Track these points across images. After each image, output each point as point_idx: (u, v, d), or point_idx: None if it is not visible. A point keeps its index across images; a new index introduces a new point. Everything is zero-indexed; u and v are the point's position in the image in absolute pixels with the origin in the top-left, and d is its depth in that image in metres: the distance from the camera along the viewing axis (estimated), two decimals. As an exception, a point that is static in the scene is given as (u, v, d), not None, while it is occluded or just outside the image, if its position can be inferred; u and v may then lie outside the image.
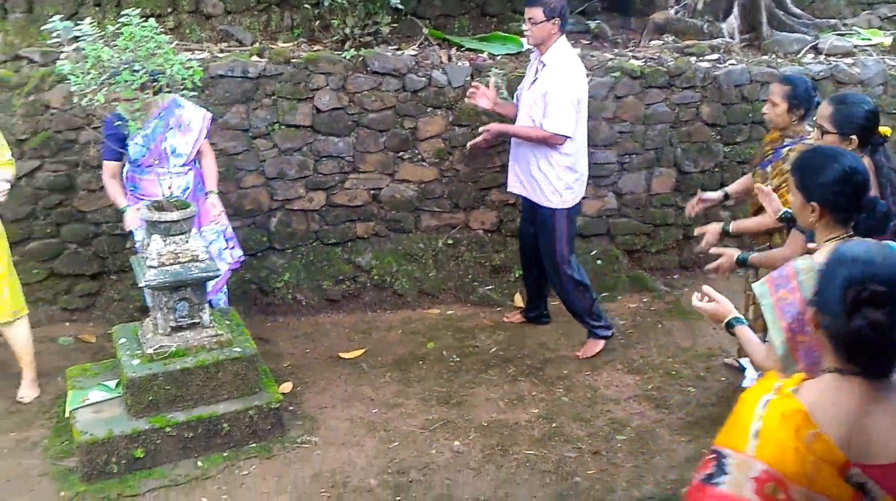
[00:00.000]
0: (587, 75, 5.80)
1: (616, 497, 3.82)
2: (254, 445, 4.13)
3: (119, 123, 4.09)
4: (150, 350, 4.08)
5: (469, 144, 5.13)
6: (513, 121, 5.00)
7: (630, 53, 6.41)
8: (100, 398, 4.16)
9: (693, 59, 6.25)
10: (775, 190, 3.91)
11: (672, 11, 7.07)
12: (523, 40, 6.26)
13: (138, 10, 4.01)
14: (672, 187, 6.18)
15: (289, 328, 5.46)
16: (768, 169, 4.22)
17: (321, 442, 4.21)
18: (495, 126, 4.94)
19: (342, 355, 5.11)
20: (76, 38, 3.92)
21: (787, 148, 4.13)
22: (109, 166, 4.56)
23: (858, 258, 1.69)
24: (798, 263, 2.60)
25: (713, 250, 3.85)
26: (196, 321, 4.18)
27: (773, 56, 6.58)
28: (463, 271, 5.87)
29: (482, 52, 6.09)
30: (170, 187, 4.31)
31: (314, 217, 5.71)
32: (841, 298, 1.66)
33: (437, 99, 5.67)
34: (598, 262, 6.04)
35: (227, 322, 4.47)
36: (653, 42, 6.76)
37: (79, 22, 3.87)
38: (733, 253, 3.66)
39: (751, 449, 1.69)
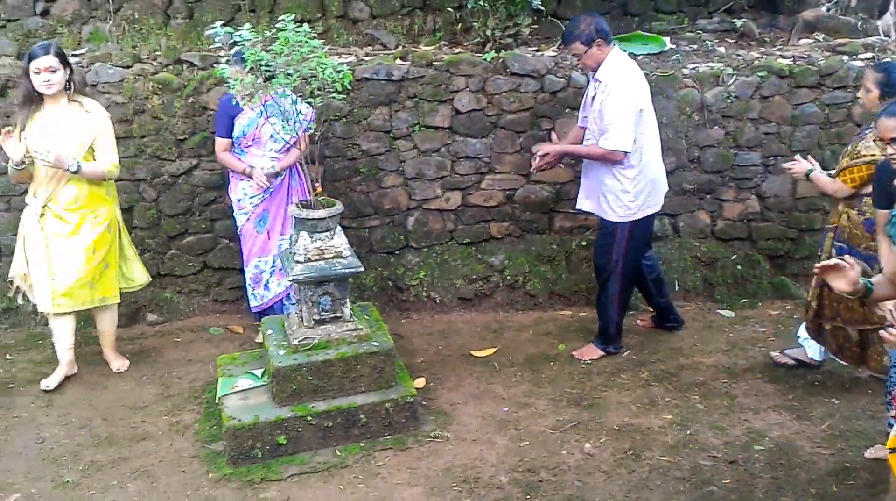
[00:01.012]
0: (731, 74, 5.69)
1: (752, 509, 3.73)
2: (389, 437, 4.26)
3: (235, 102, 4.41)
4: (295, 342, 4.27)
5: (532, 169, 5.01)
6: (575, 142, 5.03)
7: (778, 52, 6.19)
8: (247, 386, 4.38)
9: (845, 58, 5.97)
10: (844, 169, 4.34)
11: (823, 9, 6.78)
12: (666, 39, 6.18)
13: (292, 16, 4.19)
14: (819, 191, 5.92)
15: (423, 324, 5.59)
16: (848, 147, 4.47)
17: (453, 437, 4.30)
18: (554, 147, 4.90)
19: (474, 353, 5.20)
20: (235, 44, 4.15)
21: (869, 129, 4.33)
22: (222, 143, 4.96)
23: None
24: None
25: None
26: (338, 314, 4.35)
27: (936, 54, 6.20)
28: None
29: (624, 51, 6.02)
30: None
31: (450, 217, 5.82)
32: None
33: (575, 100, 5.64)
34: (739, 267, 5.88)
35: (367, 317, 4.63)
36: (802, 40, 6.50)
37: (238, 28, 4.09)
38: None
39: None
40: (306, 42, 4.07)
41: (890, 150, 3.62)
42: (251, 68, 4.06)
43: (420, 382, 4.80)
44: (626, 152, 4.65)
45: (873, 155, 4.21)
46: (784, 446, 4.17)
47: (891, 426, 3.58)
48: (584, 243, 5.87)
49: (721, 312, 5.69)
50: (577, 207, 5.12)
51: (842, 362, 4.60)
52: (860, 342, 4.42)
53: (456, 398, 4.70)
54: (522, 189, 5.80)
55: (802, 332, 4.78)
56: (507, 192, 5.82)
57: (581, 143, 4.96)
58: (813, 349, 4.79)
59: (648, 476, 3.97)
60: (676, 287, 5.81)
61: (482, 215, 5.85)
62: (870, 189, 4.19)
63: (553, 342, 5.33)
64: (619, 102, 4.59)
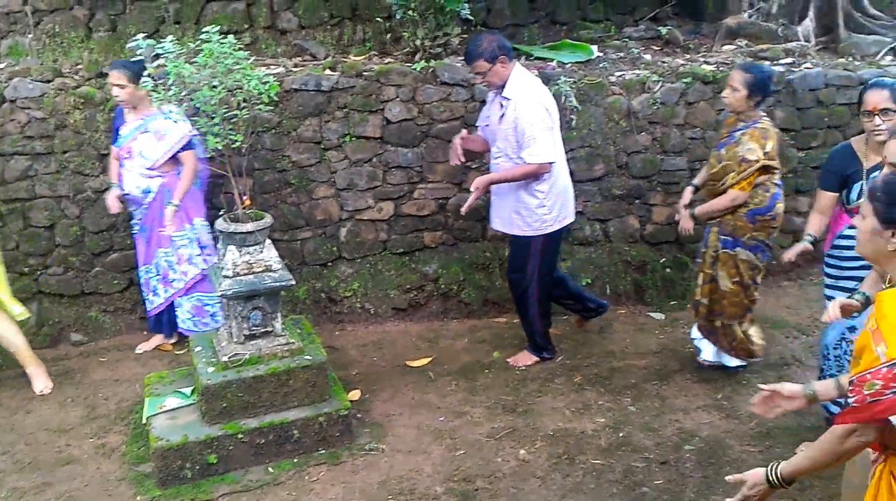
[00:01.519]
0: (657, 81, 5.80)
1: (684, 509, 3.78)
2: (323, 451, 4.22)
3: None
4: (225, 358, 4.21)
5: (464, 209, 4.88)
6: (482, 152, 5.05)
7: (702, 58, 6.33)
8: (176, 405, 4.30)
9: (767, 63, 6.12)
10: (725, 170, 4.46)
11: (745, 15, 6.96)
12: (593, 48, 6.26)
13: (217, 28, 4.14)
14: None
15: (357, 336, 5.56)
16: (722, 151, 4.54)
17: (388, 449, 4.27)
18: (482, 180, 4.77)
19: (409, 363, 5.18)
20: (158, 56, 4.08)
21: (740, 131, 4.48)
22: (113, 150, 5.18)
23: None
24: None
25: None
26: (269, 329, 4.29)
27: (850, 59, 6.43)
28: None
29: (552, 60, 6.10)
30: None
31: (382, 227, 5.80)
32: None
33: (504, 108, 5.69)
34: (668, 270, 5.98)
35: (299, 331, 4.58)
36: (725, 47, 6.66)
37: (161, 40, 4.02)
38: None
39: None
40: (231, 54, 4.03)
41: (877, 120, 3.78)
42: (173, 81, 4.00)
43: (354, 394, 4.76)
44: (552, 163, 4.67)
45: (760, 158, 4.39)
46: (714, 445, 4.24)
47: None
48: (517, 250, 5.90)
49: (651, 314, 5.78)
50: (492, 227, 5.13)
51: (735, 359, 4.82)
52: (747, 337, 4.72)
53: (391, 409, 4.68)
54: (455, 198, 5.81)
55: (695, 332, 4.94)
56: (440, 201, 5.82)
57: (485, 149, 4.97)
58: (707, 350, 4.92)
59: (583, 479, 4.00)
60: (608, 291, 5.88)
61: (415, 224, 5.85)
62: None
63: (488, 350, 5.35)
64: (534, 115, 4.59)
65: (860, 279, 3.54)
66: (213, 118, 4.08)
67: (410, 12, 5.75)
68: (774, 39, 6.67)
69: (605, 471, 4.06)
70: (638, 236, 6.03)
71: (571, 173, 5.73)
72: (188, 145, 5.00)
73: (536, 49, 6.31)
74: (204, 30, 4.05)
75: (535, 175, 4.69)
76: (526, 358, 5.17)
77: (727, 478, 2.66)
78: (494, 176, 4.82)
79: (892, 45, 6.54)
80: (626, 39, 6.65)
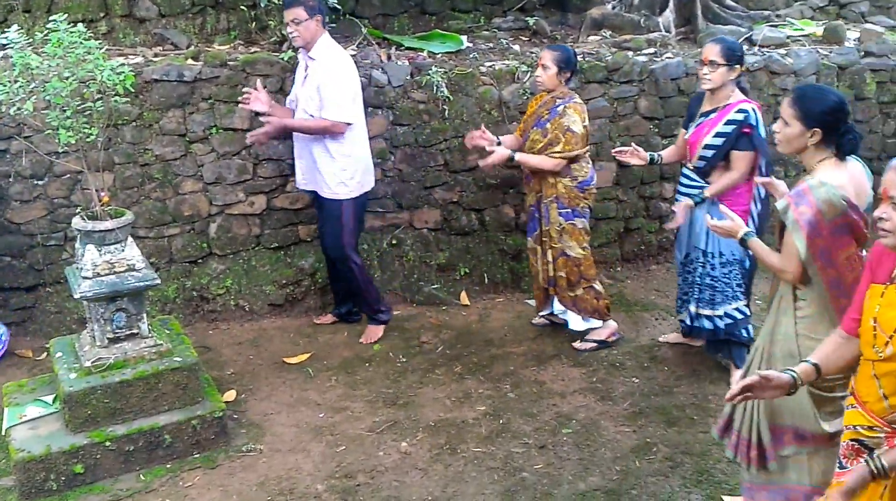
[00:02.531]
0: (526, 71, 5.87)
1: (563, 490, 3.84)
2: (197, 455, 4.08)
3: None
4: (88, 363, 4.00)
5: (249, 137, 4.97)
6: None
7: (569, 49, 6.44)
8: (37, 414, 4.07)
9: (630, 53, 6.31)
10: (552, 142, 4.80)
11: (609, 7, 7.13)
12: (463, 38, 6.27)
13: (66, 16, 3.93)
14: (612, 181, 6.23)
15: (232, 334, 5.38)
16: (547, 126, 4.84)
17: (267, 450, 4.17)
18: (276, 119, 4.85)
19: (287, 360, 5.07)
20: (3, 46, 3.82)
21: (561, 106, 4.82)
22: None
23: None
24: (810, 181, 3.02)
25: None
26: (134, 331, 4.11)
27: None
28: (408, 271, 5.85)
29: (422, 50, 6.08)
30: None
31: (255, 222, 5.64)
32: None
33: (377, 98, 5.63)
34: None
35: (167, 332, 4.41)
36: (591, 37, 6.81)
37: (6, 29, 3.77)
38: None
39: None
40: (81, 43, 3.83)
41: (704, 69, 4.38)
42: (19, 73, 3.76)
43: (230, 395, 4.62)
44: (348, 124, 4.80)
45: (582, 131, 4.82)
46: (590, 427, 4.34)
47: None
48: (394, 242, 5.86)
49: (528, 301, 5.85)
50: (298, 186, 5.23)
51: (596, 320, 5.14)
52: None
53: (269, 408, 4.56)
54: (329, 190, 5.70)
55: (558, 306, 5.18)
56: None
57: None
58: (574, 320, 5.16)
59: (464, 468, 4.02)
60: (486, 280, 5.93)
61: (289, 218, 5.71)
62: (574, 160, 4.88)
63: (368, 343, 5.29)
64: (340, 78, 4.74)
65: (700, 188, 4.53)
66: (65, 111, 3.86)
67: (276, 0, 5.60)
68: (637, 30, 6.87)
69: (485, 459, 4.08)
70: (513, 225, 6.08)
71: (446, 163, 5.78)
72: None
73: (407, 39, 6.27)
74: (51, 18, 3.83)
75: (330, 132, 4.79)
76: (374, 332, 5.27)
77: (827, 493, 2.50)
78: (289, 122, 4.90)
79: (748, 35, 6.84)
80: (496, 30, 6.70)
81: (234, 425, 4.35)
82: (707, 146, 4.46)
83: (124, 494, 3.82)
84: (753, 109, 4.40)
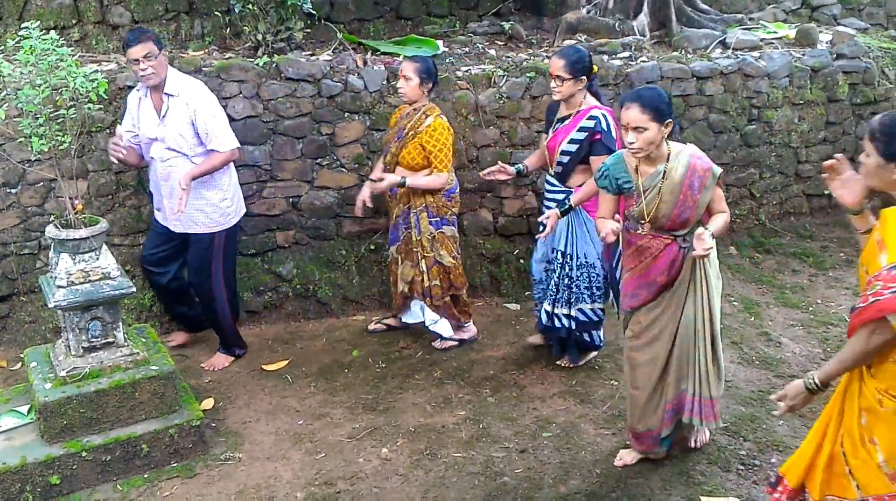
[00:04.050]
0: (502, 76, 5.89)
1: (544, 494, 3.85)
2: (175, 465, 4.05)
3: None
4: (63, 373, 3.95)
5: (178, 209, 4.53)
6: (139, 166, 4.91)
7: (544, 53, 6.46)
8: (12, 425, 4.02)
9: (605, 57, 6.34)
10: (435, 156, 4.84)
11: (584, 11, 7.16)
12: (439, 43, 6.27)
13: (38, 23, 3.90)
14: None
15: (209, 342, 5.33)
16: (424, 144, 4.84)
17: (245, 458, 4.14)
18: (186, 175, 4.49)
19: (265, 367, 5.04)
20: (-26, 54, 3.79)
21: (430, 120, 4.83)
22: None
23: None
24: None
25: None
26: (110, 340, 4.07)
27: (683, 52, 6.73)
28: (386, 277, 5.82)
29: (398, 55, 6.06)
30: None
31: (232, 228, 5.60)
32: None
33: (353, 104, 5.62)
34: (521, 261, 6.07)
35: (144, 340, 4.37)
36: (566, 41, 6.82)
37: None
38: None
39: None
40: (54, 50, 3.80)
41: (553, 83, 4.54)
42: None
43: (208, 403, 4.59)
44: (240, 149, 4.80)
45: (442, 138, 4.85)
46: (570, 430, 4.34)
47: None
48: (373, 247, 5.85)
49: (508, 305, 5.86)
50: (160, 224, 4.88)
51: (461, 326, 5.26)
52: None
53: (247, 416, 4.53)
54: (307, 195, 5.69)
55: (430, 316, 5.17)
56: (291, 199, 5.69)
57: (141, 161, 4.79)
58: (444, 328, 5.19)
59: (445, 473, 4.01)
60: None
61: (266, 224, 5.68)
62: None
63: (347, 349, 5.27)
64: (211, 106, 4.60)
65: (562, 192, 4.67)
66: (37, 118, 3.83)
67: (250, 6, 5.58)
68: (612, 34, 6.90)
69: (466, 464, 4.08)
70: (492, 229, 6.09)
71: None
72: None
73: (382, 44, 6.27)
74: (23, 26, 3.79)
75: (228, 163, 4.73)
76: (221, 360, 5.10)
77: (770, 397, 3.15)
78: (195, 170, 4.58)
79: (721, 38, 6.90)
80: (471, 35, 6.71)
81: (213, 433, 4.32)
82: (563, 153, 4.63)
83: (101, 505, 3.78)
84: (604, 115, 4.55)
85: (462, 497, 3.84)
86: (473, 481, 3.95)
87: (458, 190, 5.11)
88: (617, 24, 7.00)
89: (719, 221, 3.66)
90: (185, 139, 4.57)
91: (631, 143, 3.54)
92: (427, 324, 5.20)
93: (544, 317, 4.88)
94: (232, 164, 4.84)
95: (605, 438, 4.27)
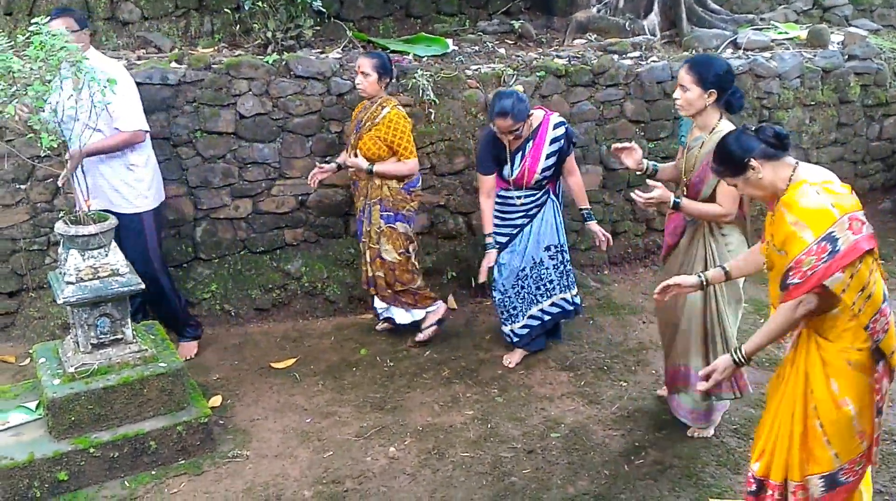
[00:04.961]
0: (512, 75, 5.87)
1: (552, 494, 3.83)
2: (183, 462, 4.04)
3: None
4: (72, 369, 3.95)
5: (60, 180, 4.55)
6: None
7: (554, 52, 6.45)
8: (20, 421, 4.02)
9: (616, 56, 6.32)
10: (392, 146, 4.83)
11: (594, 10, 7.15)
12: (449, 41, 6.26)
13: (48, 19, 3.89)
14: (599, 184, 6.24)
15: (217, 339, 5.34)
16: (382, 134, 4.83)
17: (253, 455, 4.13)
18: (75, 151, 4.21)
19: (273, 365, 5.03)
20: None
21: (386, 111, 4.85)
22: None
23: None
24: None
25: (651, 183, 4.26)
26: (118, 337, 4.06)
27: (693, 52, 6.70)
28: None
29: (407, 53, 6.06)
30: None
31: (241, 225, 5.60)
32: None
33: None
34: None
35: (152, 337, 4.37)
36: (576, 41, 6.82)
37: (-14, 31, 3.73)
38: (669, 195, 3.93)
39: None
40: (64, 46, 3.77)
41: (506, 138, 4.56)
42: (1, 76, 3.71)
43: (216, 400, 4.58)
44: (146, 132, 4.72)
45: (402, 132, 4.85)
46: (578, 431, 4.33)
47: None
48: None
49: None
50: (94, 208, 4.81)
51: (421, 311, 5.19)
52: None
53: (255, 413, 4.52)
54: (315, 194, 5.68)
55: (380, 304, 5.24)
56: (300, 197, 5.68)
57: None
58: (399, 315, 5.21)
59: (452, 473, 3.99)
60: (473, 283, 5.90)
61: (275, 221, 5.68)
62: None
63: (355, 348, 5.26)
64: (125, 87, 4.55)
65: (517, 226, 4.84)
66: (51, 114, 3.82)
67: (260, 3, 5.58)
68: (622, 33, 6.89)
69: (474, 464, 4.06)
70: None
71: (432, 167, 5.77)
72: None
73: (392, 42, 6.26)
74: (33, 21, 3.79)
75: (129, 144, 4.66)
76: (189, 348, 5.12)
77: (700, 373, 3.28)
78: (89, 146, 4.45)
79: (732, 39, 6.87)
80: (481, 33, 6.70)
81: (220, 431, 4.31)
82: (545, 170, 4.70)
83: (109, 501, 3.78)
84: (558, 116, 4.74)
85: (470, 496, 3.83)
86: (481, 481, 3.94)
87: (419, 184, 5.12)
88: (627, 24, 6.98)
89: (701, 205, 3.85)
90: (100, 118, 4.43)
91: (675, 98, 3.81)
92: (379, 311, 5.26)
93: (521, 330, 4.98)
94: (150, 148, 4.85)
95: (614, 439, 4.26)
